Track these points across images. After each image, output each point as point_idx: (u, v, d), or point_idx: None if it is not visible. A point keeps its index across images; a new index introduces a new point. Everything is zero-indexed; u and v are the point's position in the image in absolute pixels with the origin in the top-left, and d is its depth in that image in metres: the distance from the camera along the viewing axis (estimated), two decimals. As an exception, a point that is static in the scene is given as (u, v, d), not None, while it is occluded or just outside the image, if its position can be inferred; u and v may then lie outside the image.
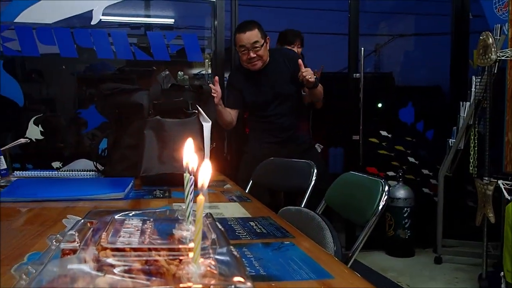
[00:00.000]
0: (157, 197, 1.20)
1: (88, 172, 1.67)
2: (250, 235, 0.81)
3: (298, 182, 1.97)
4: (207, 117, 1.61)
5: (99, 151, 2.83)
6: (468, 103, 3.05)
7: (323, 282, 0.59)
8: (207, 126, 1.59)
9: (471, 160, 3.01)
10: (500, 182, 2.45)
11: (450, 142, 3.13)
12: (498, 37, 2.92)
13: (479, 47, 2.55)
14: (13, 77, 2.85)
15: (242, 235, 0.81)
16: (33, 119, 2.87)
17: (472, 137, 3.04)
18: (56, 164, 2.89)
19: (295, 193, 2.19)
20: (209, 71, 3.26)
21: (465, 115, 3.04)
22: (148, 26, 3.29)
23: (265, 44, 2.45)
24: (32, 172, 1.65)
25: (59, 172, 1.66)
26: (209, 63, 3.24)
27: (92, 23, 2.90)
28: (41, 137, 2.87)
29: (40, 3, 2.84)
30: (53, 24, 2.85)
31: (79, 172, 1.67)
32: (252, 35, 2.41)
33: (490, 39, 2.44)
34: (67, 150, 2.94)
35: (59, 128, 2.97)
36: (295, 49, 3.03)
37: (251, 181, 2.19)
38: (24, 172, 1.66)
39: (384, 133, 3.45)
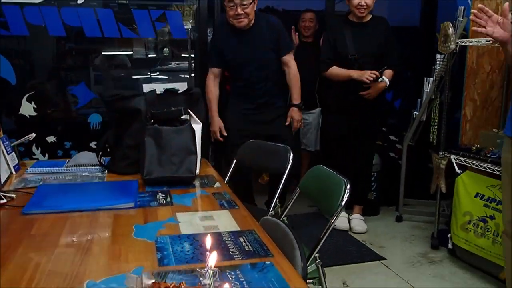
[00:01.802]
0: (161, 204, 1.47)
1: (93, 167, 1.91)
2: (241, 254, 1.10)
3: (276, 164, 2.26)
4: (197, 119, 1.85)
5: (90, 126, 3.05)
6: (431, 79, 3.32)
7: (293, 304, 0.88)
8: (198, 128, 1.83)
9: (432, 131, 3.34)
10: (452, 157, 2.78)
11: (414, 114, 3.43)
12: (461, 19, 3.15)
13: (440, 34, 2.79)
14: (4, 56, 2.97)
15: (235, 255, 1.09)
16: (25, 96, 3.03)
17: (434, 110, 3.34)
18: (50, 139, 3.10)
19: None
20: (189, 25, 3.39)
21: (428, 90, 3.32)
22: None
23: (253, 3, 2.64)
24: (44, 169, 1.87)
25: (68, 168, 1.89)
26: (191, 17, 3.37)
27: (78, 1, 3.01)
28: (35, 114, 3.05)
29: (27, -18, 2.92)
30: (40, 4, 2.94)
31: (85, 168, 1.90)
32: None
33: (450, 29, 2.68)
34: (60, 126, 3.13)
35: (51, 104, 3.14)
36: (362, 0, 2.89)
37: (235, 161, 2.46)
38: (36, 168, 1.88)
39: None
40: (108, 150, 1.91)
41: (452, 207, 2.82)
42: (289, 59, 2.89)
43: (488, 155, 2.59)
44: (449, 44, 2.67)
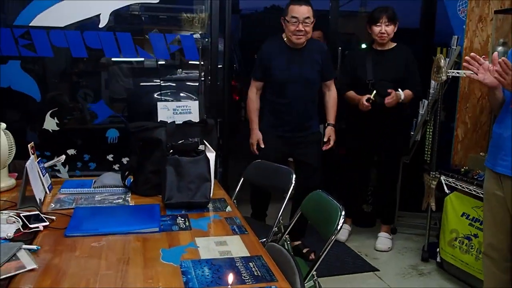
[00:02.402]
0: (181, 228, 1.71)
1: (118, 189, 2.15)
2: (251, 279, 1.33)
3: (280, 185, 2.50)
4: (211, 149, 2.10)
5: (108, 140, 3.31)
6: (426, 102, 3.56)
7: (293, 324, 1.12)
8: (212, 156, 2.07)
9: (426, 149, 3.58)
10: (442, 178, 3.02)
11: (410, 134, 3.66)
12: (454, 47, 3.39)
13: (433, 65, 3.01)
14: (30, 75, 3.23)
15: (246, 280, 1.33)
16: (49, 112, 3.28)
17: (428, 131, 3.58)
18: (71, 151, 3.35)
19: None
20: (198, 34, 3.60)
21: (423, 113, 3.55)
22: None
23: (313, 23, 2.79)
24: (75, 189, 2.12)
25: (96, 189, 2.13)
26: (199, 25, 3.58)
27: (100, 26, 3.25)
28: (57, 128, 3.30)
29: (53, 7, 3.16)
30: (65, 27, 3.19)
31: (111, 189, 2.14)
32: (307, 10, 2.75)
33: (442, 61, 2.91)
34: (79, 140, 3.38)
35: (73, 120, 3.39)
36: (382, 27, 3.10)
37: (242, 178, 2.70)
38: (67, 189, 2.13)
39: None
40: (132, 174, 2.15)
41: (441, 223, 3.06)
42: (331, 83, 3.09)
43: (475, 177, 2.82)
44: (441, 75, 2.90)
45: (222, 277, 1.33)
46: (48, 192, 2.10)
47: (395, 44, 3.26)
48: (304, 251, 3.15)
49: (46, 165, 2.23)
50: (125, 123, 3.28)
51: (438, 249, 3.05)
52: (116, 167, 3.43)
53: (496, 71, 1.98)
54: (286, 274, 1.40)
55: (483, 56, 2.90)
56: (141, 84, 4.39)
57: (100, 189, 2.15)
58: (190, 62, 3.76)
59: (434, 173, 3.11)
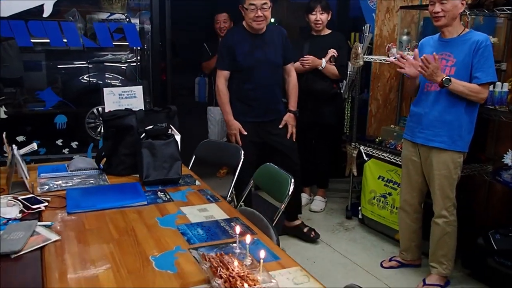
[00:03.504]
0: (164, 201, 2.04)
1: (93, 171, 2.40)
2: (237, 234, 1.72)
3: (231, 160, 2.87)
4: (177, 132, 2.42)
5: (57, 126, 3.49)
6: (345, 82, 4.09)
7: (277, 262, 1.53)
8: (178, 138, 2.39)
9: (345, 124, 4.14)
10: (361, 147, 3.58)
11: (331, 110, 4.19)
12: (367, 34, 3.93)
13: (352, 52, 3.52)
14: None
15: (233, 235, 1.71)
16: (-4, 101, 3.36)
17: (347, 107, 4.13)
18: (20, 138, 3.45)
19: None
20: (123, 15, 3.82)
21: (342, 92, 4.09)
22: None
23: (271, 7, 2.92)
24: (53, 174, 2.34)
25: (74, 172, 2.37)
26: (120, 5, 3.78)
27: (44, 15, 3.35)
28: (5, 116, 3.38)
29: (-5, -2, 3.21)
30: (9, 17, 3.25)
31: (86, 171, 2.39)
32: None
33: (359, 49, 3.42)
34: (29, 126, 3.49)
35: (21, 108, 3.48)
36: (317, 16, 3.49)
37: (194, 156, 3.02)
38: (46, 174, 2.34)
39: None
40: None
41: (361, 185, 3.63)
42: (291, 68, 3.22)
43: (388, 146, 3.40)
44: (359, 60, 3.42)
45: (215, 234, 1.70)
46: (28, 177, 2.30)
47: (330, 31, 3.71)
48: (305, 230, 3.39)
49: (21, 152, 2.40)
50: (100, 114, 3.44)
51: (359, 208, 3.64)
52: (65, 151, 3.59)
53: (420, 66, 2.49)
54: (261, 229, 1.80)
55: (392, 43, 3.46)
56: (69, 66, 4.48)
57: (76, 172, 2.39)
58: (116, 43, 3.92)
59: (354, 143, 3.66)
